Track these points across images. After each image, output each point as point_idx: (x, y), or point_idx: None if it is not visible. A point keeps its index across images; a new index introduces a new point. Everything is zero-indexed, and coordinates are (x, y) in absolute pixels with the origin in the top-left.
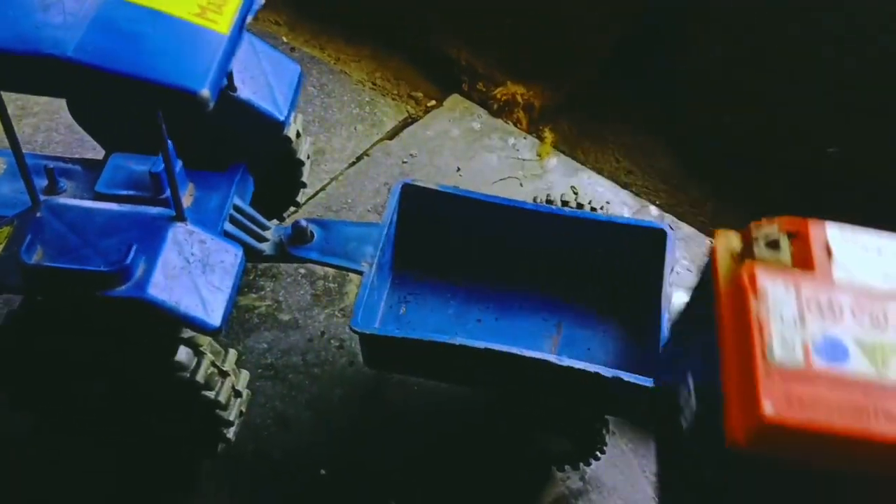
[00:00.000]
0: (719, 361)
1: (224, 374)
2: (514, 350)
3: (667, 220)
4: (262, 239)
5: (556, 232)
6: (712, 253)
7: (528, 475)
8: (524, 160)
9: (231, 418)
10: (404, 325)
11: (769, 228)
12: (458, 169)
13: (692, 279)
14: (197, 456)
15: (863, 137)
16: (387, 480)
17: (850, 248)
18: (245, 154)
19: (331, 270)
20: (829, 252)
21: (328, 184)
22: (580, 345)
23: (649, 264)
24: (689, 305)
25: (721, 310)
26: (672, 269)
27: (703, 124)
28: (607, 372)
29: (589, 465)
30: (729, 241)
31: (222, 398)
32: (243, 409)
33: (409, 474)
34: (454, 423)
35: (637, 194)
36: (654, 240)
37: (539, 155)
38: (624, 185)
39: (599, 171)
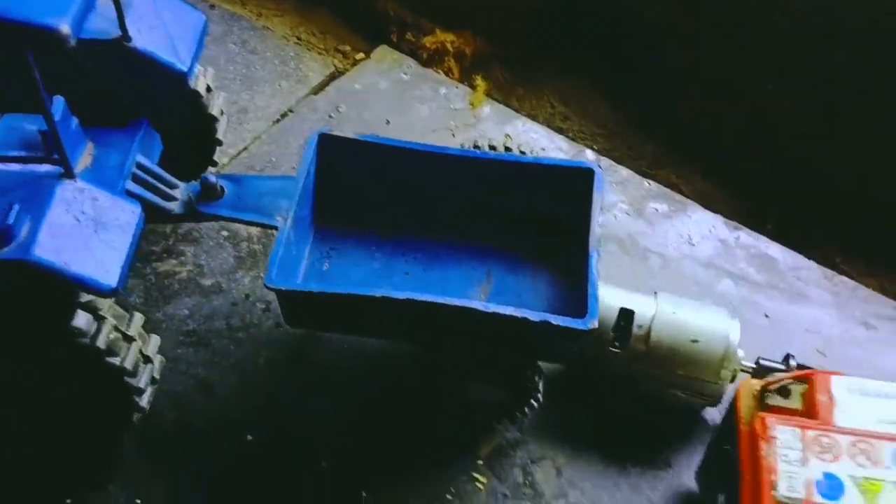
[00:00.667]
0: (739, 492)
1: (129, 339)
2: (437, 299)
3: (603, 163)
4: (170, 198)
5: (483, 177)
6: (736, 397)
7: (465, 428)
8: (456, 110)
9: (141, 385)
10: (328, 280)
11: (784, 378)
12: (388, 122)
13: (632, 224)
14: (111, 428)
15: (851, 131)
16: (317, 442)
17: (851, 395)
18: (147, 109)
19: (255, 231)
20: (832, 399)
21: (251, 143)
22: (511, 292)
23: (579, 206)
24: (719, 434)
25: (741, 449)
26: (600, 209)
27: (693, 118)
28: (535, 316)
29: (525, 415)
30: (750, 387)
31: (129, 364)
32: (156, 376)
33: (339, 435)
34: (385, 380)
35: (573, 139)
36: (583, 180)
37: (471, 104)
38: (559, 131)
39: (534, 118)
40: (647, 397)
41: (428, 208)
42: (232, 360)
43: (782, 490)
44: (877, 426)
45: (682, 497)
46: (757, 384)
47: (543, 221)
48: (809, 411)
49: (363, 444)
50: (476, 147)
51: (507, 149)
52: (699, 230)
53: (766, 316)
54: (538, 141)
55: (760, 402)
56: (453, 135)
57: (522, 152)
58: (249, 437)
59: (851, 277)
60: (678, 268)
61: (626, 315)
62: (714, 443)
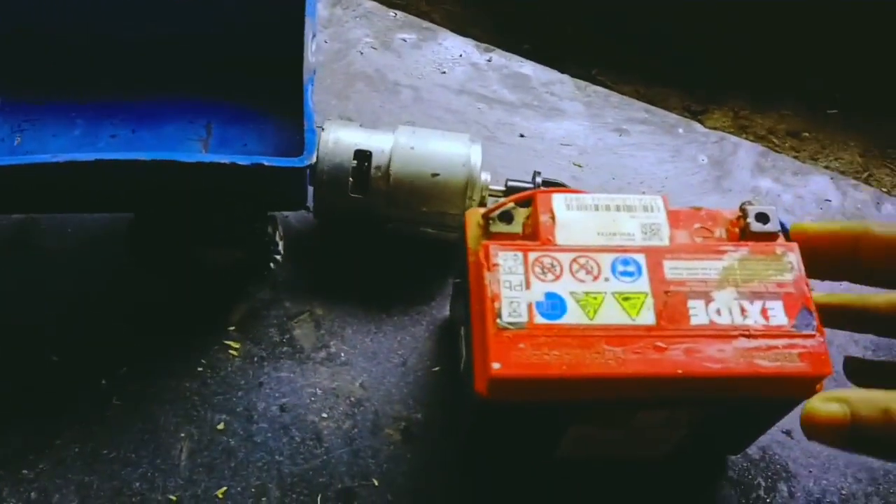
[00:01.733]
0: (470, 325)
1: None
2: (129, 156)
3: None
4: None
5: (178, 14)
6: (464, 228)
7: (210, 298)
8: None
9: None
10: (19, 156)
11: (504, 203)
12: None
13: (380, 58)
14: None
15: None
16: (40, 335)
17: (571, 211)
18: None
19: None
20: (553, 218)
21: None
22: (235, 142)
23: (293, 37)
24: (456, 268)
25: (470, 281)
26: (314, 36)
27: None
28: (244, 160)
29: (268, 269)
30: (475, 217)
31: None
32: None
33: (66, 324)
34: (112, 255)
35: None
36: (293, 5)
37: None
38: None
39: None
40: (399, 238)
41: (129, 61)
42: None
43: (505, 316)
44: (597, 239)
45: (446, 327)
46: (481, 212)
47: (260, 61)
48: (532, 234)
49: (94, 330)
50: None
51: None
52: (450, 56)
53: (522, 136)
54: None
55: (486, 231)
56: None
57: None
58: None
59: (606, 87)
60: (430, 98)
61: (362, 157)
62: (453, 277)
